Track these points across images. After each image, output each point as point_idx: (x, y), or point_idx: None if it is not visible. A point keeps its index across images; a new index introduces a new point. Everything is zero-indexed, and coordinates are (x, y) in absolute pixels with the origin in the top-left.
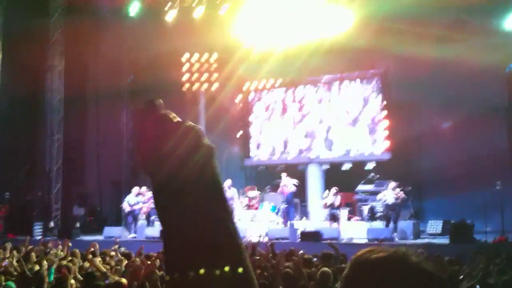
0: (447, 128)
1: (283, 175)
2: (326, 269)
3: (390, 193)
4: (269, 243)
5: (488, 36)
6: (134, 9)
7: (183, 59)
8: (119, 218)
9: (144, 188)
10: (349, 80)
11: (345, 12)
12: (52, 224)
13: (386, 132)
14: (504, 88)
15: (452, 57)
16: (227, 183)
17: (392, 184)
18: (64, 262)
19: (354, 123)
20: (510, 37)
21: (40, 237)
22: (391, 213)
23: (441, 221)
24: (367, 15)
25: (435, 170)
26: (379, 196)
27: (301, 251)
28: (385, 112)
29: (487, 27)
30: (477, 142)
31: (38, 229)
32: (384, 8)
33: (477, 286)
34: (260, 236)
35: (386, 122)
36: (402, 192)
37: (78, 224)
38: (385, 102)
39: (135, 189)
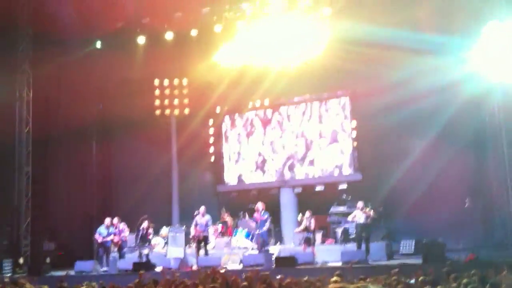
0: (416, 148)
1: (259, 203)
2: None
3: (359, 213)
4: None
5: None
6: (100, 44)
7: (155, 84)
8: (91, 252)
9: (115, 219)
10: (318, 101)
11: (315, 36)
12: (21, 260)
13: (356, 153)
14: (469, 105)
15: (419, 76)
16: (201, 209)
17: (360, 204)
18: None
19: (324, 144)
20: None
21: (9, 274)
22: (363, 234)
23: (413, 241)
24: (335, 39)
25: (406, 189)
26: (349, 217)
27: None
28: (354, 133)
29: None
30: (445, 160)
31: (7, 267)
32: (351, 32)
33: None
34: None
35: (356, 143)
36: (371, 211)
37: (48, 260)
38: (354, 123)
39: (107, 220)
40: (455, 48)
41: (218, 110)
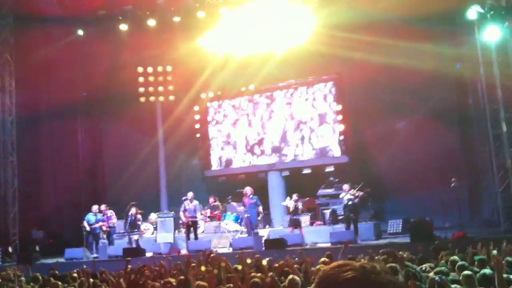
0: (402, 129)
1: (247, 188)
2: (294, 276)
3: (346, 195)
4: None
5: (438, 36)
6: (82, 32)
7: (139, 71)
8: (80, 239)
9: (103, 206)
10: (304, 86)
11: (300, 20)
12: (10, 249)
13: (342, 136)
14: (453, 87)
15: (403, 59)
16: (189, 195)
17: (346, 186)
18: None
19: (310, 128)
20: (459, 36)
21: None
22: (351, 215)
23: (401, 220)
24: (319, 23)
25: (392, 170)
26: (340, 196)
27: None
28: (340, 116)
29: (436, 27)
30: (431, 141)
31: None
32: (335, 17)
33: (436, 278)
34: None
35: (342, 126)
36: (359, 192)
37: (38, 248)
38: (340, 107)
39: (95, 208)
40: (439, 31)
41: (203, 96)
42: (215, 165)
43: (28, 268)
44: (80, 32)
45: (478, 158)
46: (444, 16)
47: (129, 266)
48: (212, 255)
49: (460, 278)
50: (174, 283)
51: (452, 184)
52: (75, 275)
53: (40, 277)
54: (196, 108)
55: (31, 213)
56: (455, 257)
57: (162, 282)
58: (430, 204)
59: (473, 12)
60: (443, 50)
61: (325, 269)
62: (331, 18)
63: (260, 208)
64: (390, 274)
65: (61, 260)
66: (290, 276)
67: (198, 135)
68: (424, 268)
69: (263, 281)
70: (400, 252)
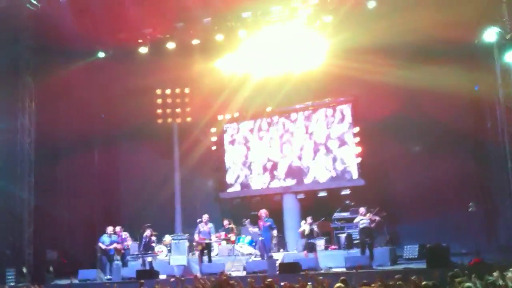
0: (418, 153)
1: (262, 210)
2: None
3: (363, 219)
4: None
5: (455, 61)
6: (103, 54)
7: (157, 93)
8: (94, 260)
9: (118, 228)
10: (321, 108)
11: (317, 43)
12: (25, 269)
13: (359, 159)
14: (471, 110)
15: (420, 83)
16: (204, 217)
17: (362, 209)
18: None
19: (327, 150)
20: (476, 59)
21: (13, 283)
22: (366, 240)
23: (417, 246)
24: (335, 46)
25: (409, 194)
26: (355, 220)
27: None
28: (357, 139)
29: (453, 51)
30: (448, 165)
31: (10, 276)
32: (352, 40)
33: None
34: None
35: (359, 149)
36: (375, 216)
37: (51, 268)
38: (357, 129)
39: (109, 229)
40: (457, 53)
41: (220, 118)
42: (231, 187)
43: None
44: (101, 54)
45: (495, 182)
46: (461, 38)
47: None
48: (224, 277)
49: None
50: None
51: (470, 209)
52: None
53: None
54: (213, 129)
55: (46, 233)
56: (470, 284)
57: None
58: (446, 229)
59: (491, 34)
60: (461, 72)
61: None
62: (347, 41)
63: (275, 232)
64: None
65: (75, 281)
66: None
67: (214, 157)
68: None
69: None
70: (414, 277)
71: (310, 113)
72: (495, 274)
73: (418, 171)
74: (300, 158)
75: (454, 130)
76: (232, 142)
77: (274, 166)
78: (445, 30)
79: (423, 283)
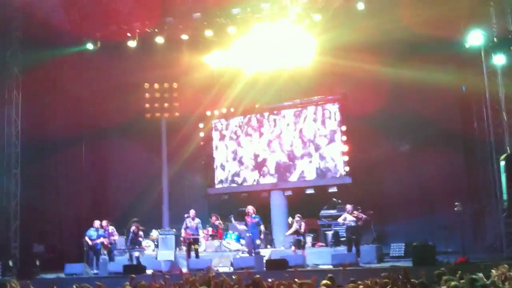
0: (406, 152)
1: (250, 207)
2: None
3: (349, 216)
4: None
5: (443, 60)
6: (91, 46)
7: (145, 88)
8: (81, 254)
9: (104, 222)
10: (310, 105)
11: (306, 41)
12: (11, 263)
13: (346, 157)
14: (458, 111)
15: (408, 81)
16: (191, 212)
17: (349, 206)
18: None
19: (314, 148)
20: (462, 58)
21: None
22: (353, 237)
23: (403, 244)
24: (324, 44)
25: (396, 193)
26: (340, 219)
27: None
28: (344, 137)
29: (441, 51)
30: (435, 165)
31: None
32: (341, 38)
33: None
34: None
35: (346, 147)
36: (361, 214)
37: (38, 262)
38: (344, 127)
39: (96, 223)
40: (445, 54)
41: (208, 113)
42: (220, 183)
43: (28, 284)
44: (90, 45)
45: (482, 182)
46: (449, 37)
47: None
48: (212, 274)
49: None
50: None
51: (456, 209)
52: None
53: None
54: (201, 125)
55: (32, 227)
56: (456, 283)
57: None
58: (433, 228)
59: (478, 36)
60: (448, 71)
61: None
62: (336, 39)
63: (262, 227)
64: None
65: (61, 275)
66: None
67: (202, 152)
68: None
69: None
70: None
71: (299, 110)
72: (480, 274)
73: (405, 170)
74: (288, 155)
75: (441, 129)
76: (222, 138)
77: (263, 163)
78: (433, 29)
79: (411, 280)
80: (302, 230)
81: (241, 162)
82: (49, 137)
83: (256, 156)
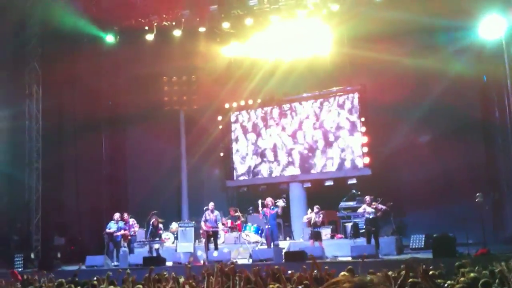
0: (425, 143)
1: (268, 199)
2: None
3: (368, 208)
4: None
5: (463, 50)
6: (111, 38)
7: (164, 81)
8: (101, 247)
9: (125, 215)
10: (328, 97)
11: (324, 32)
12: (33, 255)
13: (366, 148)
14: (479, 100)
15: (428, 72)
16: (210, 205)
17: (368, 198)
18: None
19: (334, 139)
20: (483, 48)
21: (21, 269)
22: (372, 229)
23: (423, 236)
24: (342, 34)
25: (416, 184)
26: (360, 210)
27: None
28: (363, 128)
29: (460, 41)
30: (455, 155)
31: (18, 261)
32: (359, 28)
33: None
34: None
35: (365, 139)
36: (380, 205)
37: (59, 254)
38: (363, 119)
39: (116, 215)
40: (465, 43)
41: (227, 106)
42: (240, 176)
43: (50, 275)
44: (110, 38)
45: (503, 172)
46: (470, 28)
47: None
48: (231, 266)
49: None
50: None
51: (477, 200)
52: (95, 282)
53: (64, 282)
54: (219, 118)
55: (54, 219)
56: (475, 274)
57: None
58: (453, 220)
59: (499, 25)
60: (469, 62)
61: (324, 285)
62: (354, 30)
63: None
64: (387, 285)
65: (82, 267)
66: None
67: (221, 145)
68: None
69: None
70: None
71: (318, 101)
72: (503, 264)
73: (425, 161)
74: (310, 146)
75: (462, 119)
76: (241, 131)
77: (283, 155)
78: (453, 18)
79: (431, 272)
80: (320, 222)
81: (261, 155)
82: (68, 131)
83: (276, 148)
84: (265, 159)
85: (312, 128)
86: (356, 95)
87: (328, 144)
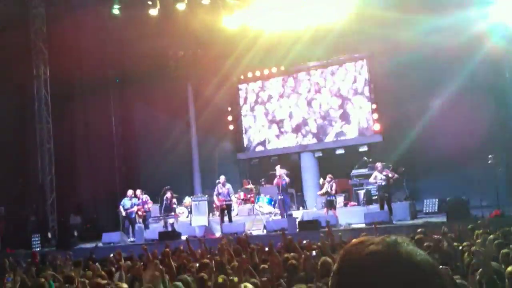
0: (436, 107)
1: (277, 167)
2: (326, 258)
3: (379, 175)
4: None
5: (472, 13)
6: (116, 9)
7: (170, 53)
8: (117, 223)
9: (138, 191)
10: (336, 65)
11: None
12: (50, 235)
13: (376, 115)
14: (488, 61)
15: (435, 36)
16: (221, 178)
17: (379, 165)
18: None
19: (342, 107)
20: (492, 10)
21: (38, 248)
22: (385, 195)
23: (437, 200)
24: (351, 1)
25: (427, 149)
26: (371, 179)
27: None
28: (373, 95)
29: (469, 3)
30: (466, 118)
31: (36, 241)
32: None
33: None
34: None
35: (375, 105)
36: (392, 172)
37: (75, 233)
38: (372, 86)
39: (130, 192)
40: (472, 2)
41: (234, 78)
42: (248, 147)
43: (68, 255)
44: (116, 10)
45: None
46: None
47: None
48: (245, 237)
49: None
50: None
51: (489, 162)
52: (113, 259)
53: (81, 261)
54: (227, 90)
55: (68, 199)
56: (492, 236)
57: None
58: (466, 183)
59: None
60: (477, 23)
61: (347, 246)
62: None
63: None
64: (413, 245)
65: (99, 244)
66: (323, 258)
67: (230, 117)
68: (461, 248)
69: (297, 261)
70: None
71: (328, 70)
72: None
73: (436, 125)
74: (316, 116)
75: (472, 82)
76: (250, 102)
77: (290, 125)
78: None
79: (448, 234)
80: (333, 190)
81: (272, 125)
82: (78, 110)
83: (283, 120)
84: (274, 130)
85: (322, 97)
86: (365, 61)
87: (339, 111)
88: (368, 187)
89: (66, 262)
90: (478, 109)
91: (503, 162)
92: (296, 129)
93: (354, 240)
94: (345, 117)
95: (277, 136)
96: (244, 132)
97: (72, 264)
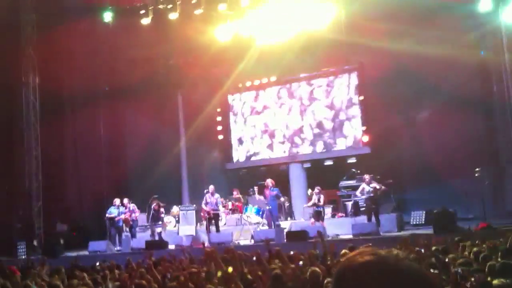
0: (424, 119)
1: (268, 180)
2: (315, 268)
3: (366, 186)
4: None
5: (460, 24)
6: (108, 16)
7: (161, 63)
8: (104, 232)
9: (125, 200)
10: (326, 76)
11: (319, 10)
12: (35, 242)
13: (364, 127)
14: (477, 75)
15: (425, 47)
16: (210, 188)
17: (367, 176)
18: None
19: (332, 119)
20: (481, 22)
21: (24, 256)
22: (372, 207)
23: (424, 212)
24: (341, 12)
25: (415, 161)
26: (358, 192)
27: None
28: (361, 107)
29: (458, 15)
30: (454, 131)
31: (21, 249)
32: (357, 6)
33: (458, 270)
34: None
35: (364, 117)
36: (379, 184)
37: (62, 241)
38: (362, 97)
39: (117, 201)
40: (462, 17)
41: (225, 87)
42: (239, 157)
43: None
44: (107, 16)
45: (502, 147)
46: (466, 3)
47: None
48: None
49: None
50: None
51: (476, 174)
52: (99, 267)
53: (63, 269)
54: (217, 99)
55: (55, 206)
56: (476, 248)
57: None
58: (453, 195)
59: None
60: (466, 37)
61: (348, 255)
62: (353, 6)
63: (282, 199)
64: (409, 260)
65: (85, 253)
66: (311, 268)
67: (219, 127)
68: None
69: (284, 272)
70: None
71: (314, 82)
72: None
73: (424, 137)
74: (305, 128)
75: (460, 94)
76: (240, 113)
77: (279, 136)
78: None
79: (433, 247)
80: (321, 202)
81: (263, 135)
82: (66, 117)
83: (272, 130)
84: (265, 140)
85: (311, 108)
86: (355, 73)
87: (327, 123)
88: (356, 198)
89: (40, 270)
90: (465, 122)
91: (490, 175)
92: (287, 140)
93: (354, 252)
94: (335, 128)
95: (268, 147)
96: (233, 142)
97: (48, 272)
